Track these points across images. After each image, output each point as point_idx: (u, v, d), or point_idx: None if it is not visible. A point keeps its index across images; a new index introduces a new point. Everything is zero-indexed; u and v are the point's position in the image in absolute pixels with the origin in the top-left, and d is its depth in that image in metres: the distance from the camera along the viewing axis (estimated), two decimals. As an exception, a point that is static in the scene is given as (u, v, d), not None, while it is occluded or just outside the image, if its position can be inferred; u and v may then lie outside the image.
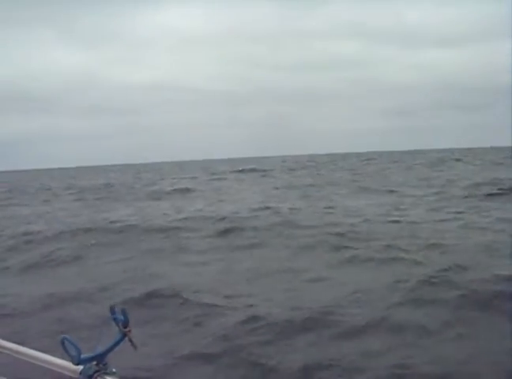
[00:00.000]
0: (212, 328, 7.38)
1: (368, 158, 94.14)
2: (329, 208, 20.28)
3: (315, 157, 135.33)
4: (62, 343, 1.93)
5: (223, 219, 17.55)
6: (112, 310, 2.01)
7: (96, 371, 1.90)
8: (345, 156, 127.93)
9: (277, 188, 32.17)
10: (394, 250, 11.65)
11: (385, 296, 8.35)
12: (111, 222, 18.55)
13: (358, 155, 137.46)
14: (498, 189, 22.88)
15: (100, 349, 1.96)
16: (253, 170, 57.35)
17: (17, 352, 2.23)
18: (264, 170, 55.59)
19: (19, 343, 2.25)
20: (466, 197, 21.56)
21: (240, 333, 7.09)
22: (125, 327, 1.99)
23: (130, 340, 2.00)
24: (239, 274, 10.59)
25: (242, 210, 19.88)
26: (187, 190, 33.31)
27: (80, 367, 1.93)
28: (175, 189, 34.30)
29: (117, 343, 1.98)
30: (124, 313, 2.00)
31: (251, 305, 8.28)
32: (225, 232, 15.28)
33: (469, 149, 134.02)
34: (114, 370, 1.94)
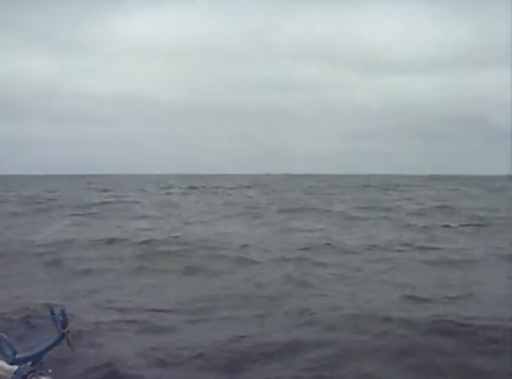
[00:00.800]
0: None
1: (326, 179, 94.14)
2: (261, 226, 19.04)
3: (274, 176, 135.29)
4: None
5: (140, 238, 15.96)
6: (51, 310, 2.04)
7: (31, 371, 1.89)
8: (305, 177, 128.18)
9: (222, 205, 30.86)
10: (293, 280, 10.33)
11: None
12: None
13: (317, 176, 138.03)
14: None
15: (37, 349, 1.96)
16: (204, 187, 55.50)
17: None
18: (216, 187, 54.10)
19: None
20: (408, 225, 20.18)
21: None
22: (63, 327, 2.02)
23: (68, 341, 2.02)
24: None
25: (166, 226, 18.48)
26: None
27: (15, 367, 1.91)
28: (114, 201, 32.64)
29: (54, 344, 2.01)
30: (63, 313, 2.04)
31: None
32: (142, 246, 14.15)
33: (426, 176, 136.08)
34: (50, 371, 1.94)
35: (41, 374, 1.92)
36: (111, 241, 15.02)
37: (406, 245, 14.71)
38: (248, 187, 57.88)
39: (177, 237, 15.64)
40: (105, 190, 48.86)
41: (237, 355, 6.28)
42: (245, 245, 14.07)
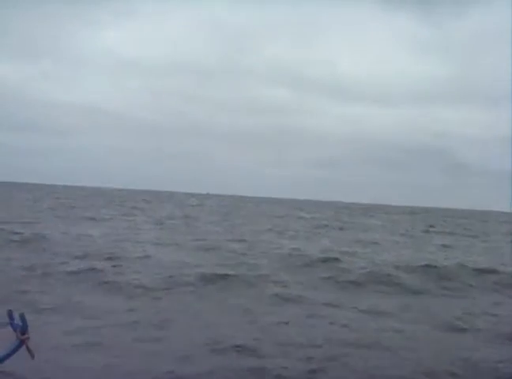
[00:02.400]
0: None
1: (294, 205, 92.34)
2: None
3: (234, 198, 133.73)
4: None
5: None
6: (10, 316, 2.15)
7: None
8: (266, 201, 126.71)
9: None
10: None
11: None
12: None
13: (278, 201, 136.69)
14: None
15: None
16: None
17: None
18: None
19: None
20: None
21: None
22: (23, 334, 2.13)
23: (28, 348, 2.12)
24: None
25: None
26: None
27: None
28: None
29: (13, 351, 2.09)
30: (23, 318, 2.12)
31: None
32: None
33: (385, 206, 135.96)
34: None
35: None
36: None
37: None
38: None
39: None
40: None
41: None
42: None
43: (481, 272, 15.95)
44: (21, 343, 2.19)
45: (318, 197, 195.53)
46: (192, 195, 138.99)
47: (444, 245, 25.96)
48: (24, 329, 2.19)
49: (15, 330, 2.16)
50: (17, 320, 2.20)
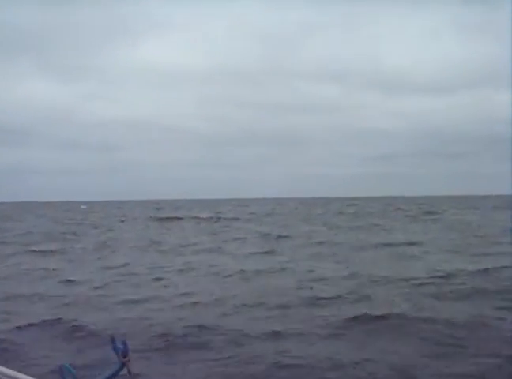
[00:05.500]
0: None
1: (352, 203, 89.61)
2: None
3: (301, 200, 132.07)
4: (60, 370, 2.03)
5: None
6: (112, 340, 2.13)
7: None
8: (326, 201, 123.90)
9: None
10: None
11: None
12: None
13: (338, 199, 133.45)
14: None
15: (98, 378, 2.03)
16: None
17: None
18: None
19: (17, 370, 2.20)
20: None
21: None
22: (124, 356, 2.11)
23: (129, 370, 2.11)
24: None
25: None
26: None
27: None
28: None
29: (115, 373, 2.10)
30: (124, 343, 2.12)
31: None
32: None
33: (449, 197, 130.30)
34: None
35: None
36: None
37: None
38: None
39: None
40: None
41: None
42: None
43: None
44: (122, 365, 2.13)
45: (380, 193, 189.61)
46: (248, 201, 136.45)
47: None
48: (125, 352, 2.13)
49: (117, 353, 2.10)
50: (119, 344, 2.16)
